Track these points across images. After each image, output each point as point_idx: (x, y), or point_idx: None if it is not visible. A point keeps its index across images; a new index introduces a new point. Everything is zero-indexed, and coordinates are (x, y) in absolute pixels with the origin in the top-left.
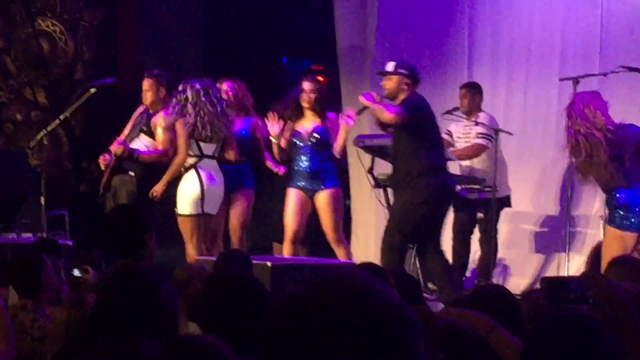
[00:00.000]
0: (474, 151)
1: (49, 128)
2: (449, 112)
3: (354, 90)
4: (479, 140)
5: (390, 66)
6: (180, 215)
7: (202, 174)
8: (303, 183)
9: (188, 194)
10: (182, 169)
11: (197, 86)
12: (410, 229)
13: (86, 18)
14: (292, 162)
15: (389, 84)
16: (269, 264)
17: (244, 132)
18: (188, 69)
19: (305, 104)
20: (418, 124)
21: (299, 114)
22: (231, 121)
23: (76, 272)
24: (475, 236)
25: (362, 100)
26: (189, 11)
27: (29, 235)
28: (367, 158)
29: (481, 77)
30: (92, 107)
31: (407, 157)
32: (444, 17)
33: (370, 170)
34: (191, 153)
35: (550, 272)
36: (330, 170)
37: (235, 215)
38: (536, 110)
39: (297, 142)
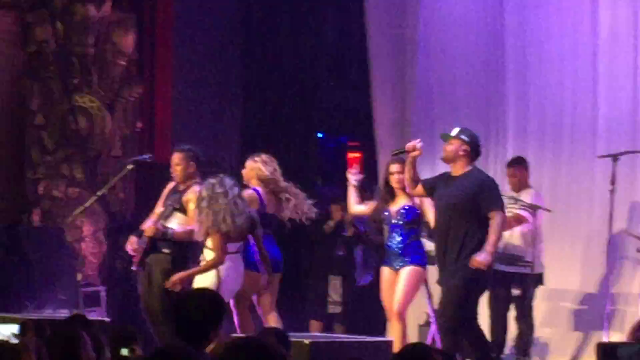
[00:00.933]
0: (516, 221)
1: (86, 204)
2: None
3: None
4: (522, 212)
5: (454, 131)
6: None
7: (221, 269)
8: (392, 260)
9: (201, 283)
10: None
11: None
12: (468, 308)
13: (123, 94)
14: (384, 240)
15: (449, 147)
16: (307, 341)
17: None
18: (225, 144)
19: (395, 185)
20: None
21: (392, 195)
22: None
23: (124, 352)
24: (511, 313)
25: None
26: (227, 86)
27: (65, 311)
28: None
29: (521, 152)
30: (129, 183)
31: (462, 237)
32: (484, 92)
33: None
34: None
35: (590, 351)
36: (416, 249)
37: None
38: (579, 186)
39: (388, 221)
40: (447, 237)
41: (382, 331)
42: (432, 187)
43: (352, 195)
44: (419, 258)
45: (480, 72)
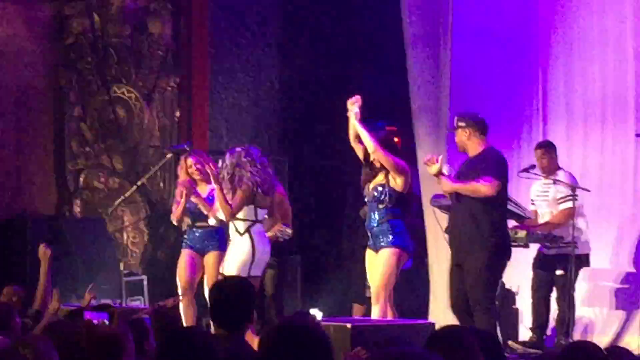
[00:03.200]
0: (565, 218)
1: (127, 194)
2: (526, 170)
3: (429, 150)
4: (565, 205)
5: (453, 122)
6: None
7: (255, 238)
8: (372, 241)
9: (239, 257)
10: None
11: (239, 151)
12: (494, 286)
13: (161, 84)
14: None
15: (456, 139)
16: (348, 325)
17: (210, 198)
18: (263, 132)
19: (376, 163)
20: (504, 186)
21: (373, 173)
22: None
23: None
24: (553, 294)
25: (450, 185)
26: (264, 74)
27: (108, 301)
28: (444, 218)
29: (556, 134)
30: (168, 172)
31: (481, 217)
32: (517, 76)
33: (447, 230)
34: (244, 217)
35: (632, 330)
36: (392, 229)
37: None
38: (613, 167)
39: (368, 200)
40: (462, 217)
41: (425, 313)
42: (458, 174)
43: (351, 129)
44: (395, 239)
45: (514, 55)
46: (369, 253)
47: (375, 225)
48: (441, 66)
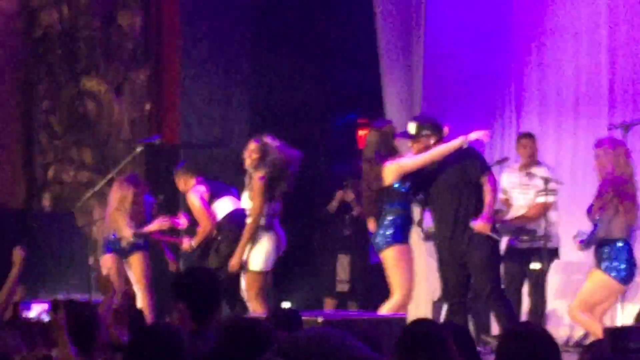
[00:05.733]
0: (540, 212)
1: (96, 188)
2: (499, 162)
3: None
4: (542, 199)
5: (412, 128)
6: (253, 271)
7: (279, 232)
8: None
9: (266, 251)
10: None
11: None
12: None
13: (131, 77)
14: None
15: (419, 146)
16: (319, 319)
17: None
18: (234, 125)
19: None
20: None
21: None
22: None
23: None
24: (525, 289)
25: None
26: (235, 65)
27: (78, 295)
28: (415, 211)
29: (529, 125)
30: (138, 166)
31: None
32: (491, 67)
33: (420, 223)
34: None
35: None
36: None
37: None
38: (585, 159)
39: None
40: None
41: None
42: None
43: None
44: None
45: (487, 46)
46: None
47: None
48: (414, 57)
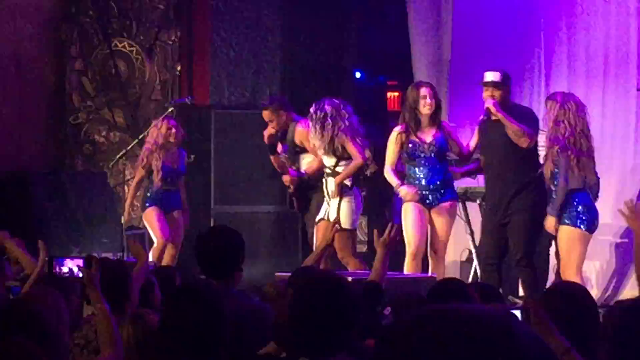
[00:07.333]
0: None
1: (128, 148)
2: None
3: None
4: None
5: (496, 76)
6: (346, 230)
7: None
8: (423, 196)
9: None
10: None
11: (336, 102)
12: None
13: (162, 38)
14: (408, 174)
15: (500, 93)
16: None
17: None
18: (264, 86)
19: (427, 111)
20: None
21: (416, 123)
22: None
23: None
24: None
25: (499, 115)
26: (265, 27)
27: (109, 254)
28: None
29: (558, 89)
30: None
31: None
32: (520, 32)
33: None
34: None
35: (632, 284)
36: (449, 183)
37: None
38: (615, 122)
39: (417, 154)
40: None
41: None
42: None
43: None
44: (452, 191)
45: (517, 8)
46: (418, 207)
47: (434, 180)
48: (443, 18)
